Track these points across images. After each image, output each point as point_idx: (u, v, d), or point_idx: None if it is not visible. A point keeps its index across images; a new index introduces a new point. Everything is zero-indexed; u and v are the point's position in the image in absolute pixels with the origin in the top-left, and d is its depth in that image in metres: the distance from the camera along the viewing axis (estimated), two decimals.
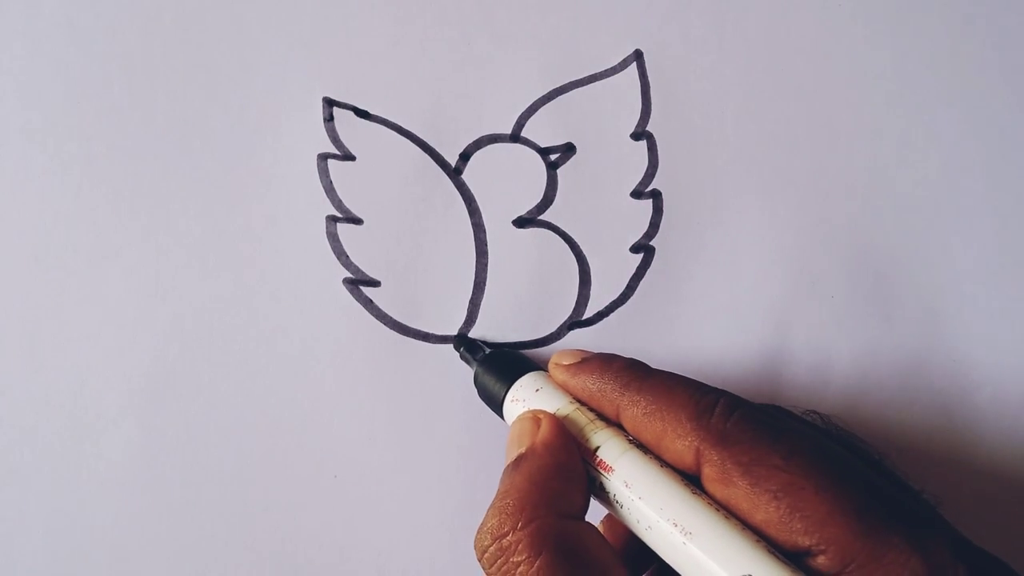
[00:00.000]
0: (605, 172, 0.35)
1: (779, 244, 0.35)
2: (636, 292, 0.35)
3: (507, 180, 0.35)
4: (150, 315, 0.34)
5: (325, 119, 0.35)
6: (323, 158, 0.35)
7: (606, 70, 0.36)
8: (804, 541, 0.22)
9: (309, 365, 0.34)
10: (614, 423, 0.27)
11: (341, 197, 0.35)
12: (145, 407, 0.33)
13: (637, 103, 0.36)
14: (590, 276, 0.35)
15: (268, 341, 0.34)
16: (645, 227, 0.35)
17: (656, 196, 0.35)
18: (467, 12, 0.35)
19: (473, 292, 0.35)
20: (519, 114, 0.35)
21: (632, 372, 0.27)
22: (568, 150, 0.35)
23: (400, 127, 0.35)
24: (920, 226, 0.35)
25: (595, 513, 0.27)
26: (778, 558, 0.22)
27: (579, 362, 0.29)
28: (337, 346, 0.34)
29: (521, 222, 0.35)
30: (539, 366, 0.31)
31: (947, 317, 0.35)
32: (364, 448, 0.34)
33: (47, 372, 0.33)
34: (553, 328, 0.35)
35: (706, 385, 0.26)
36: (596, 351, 0.30)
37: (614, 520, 0.26)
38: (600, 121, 0.35)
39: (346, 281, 0.34)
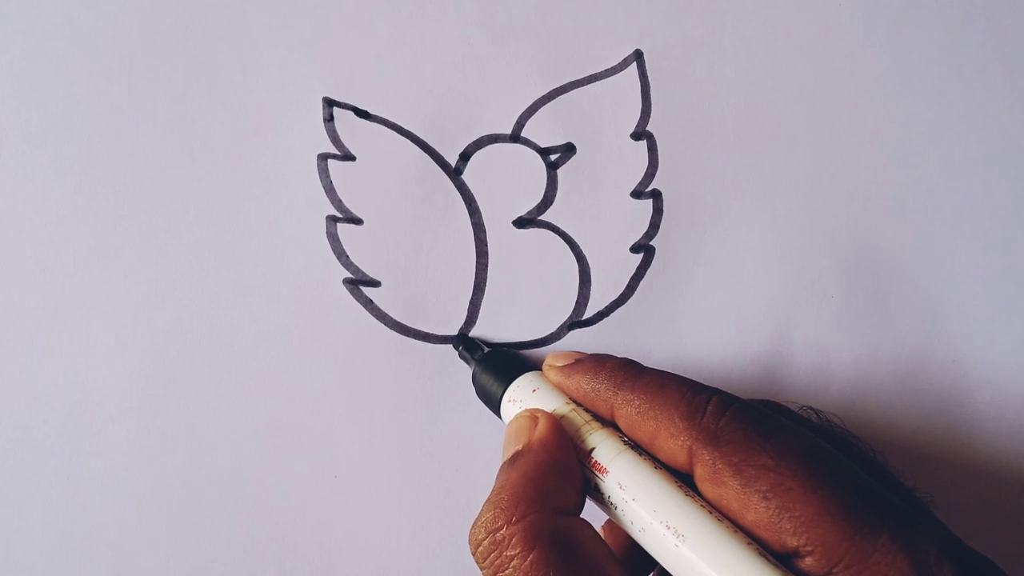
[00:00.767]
0: (605, 172, 0.35)
1: (779, 244, 0.35)
2: (636, 292, 0.35)
3: (507, 180, 0.35)
4: (150, 315, 0.34)
5: (325, 119, 0.35)
6: (323, 158, 0.35)
7: (606, 70, 0.36)
8: (792, 541, 0.22)
9: (309, 365, 0.34)
10: (609, 424, 0.27)
11: (341, 197, 0.35)
12: (145, 407, 0.33)
13: (637, 103, 0.36)
14: (590, 276, 0.35)
15: (268, 341, 0.34)
16: (645, 227, 0.35)
17: (656, 196, 0.35)
18: (467, 12, 0.35)
19: (473, 292, 0.35)
20: (519, 114, 0.35)
21: (625, 371, 0.27)
22: (568, 150, 0.35)
23: (400, 127, 0.35)
24: (920, 226, 0.35)
25: (598, 516, 0.27)
26: (769, 560, 0.22)
27: (573, 363, 0.29)
28: (337, 346, 0.34)
29: (521, 222, 0.35)
30: (537, 366, 0.31)
31: (947, 317, 0.35)
32: (364, 448, 0.34)
33: (47, 372, 0.33)
34: (553, 328, 0.35)
35: (699, 384, 0.26)
36: (590, 352, 0.30)
37: (615, 523, 0.26)
38: (600, 121, 0.35)
39: (346, 281, 0.34)
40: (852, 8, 0.36)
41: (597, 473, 0.26)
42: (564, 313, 0.35)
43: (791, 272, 0.35)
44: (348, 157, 0.35)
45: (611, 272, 0.35)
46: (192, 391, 0.34)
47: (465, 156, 0.35)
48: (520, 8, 0.36)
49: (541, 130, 0.35)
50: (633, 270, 0.35)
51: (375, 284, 0.34)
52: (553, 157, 0.35)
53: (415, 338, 0.34)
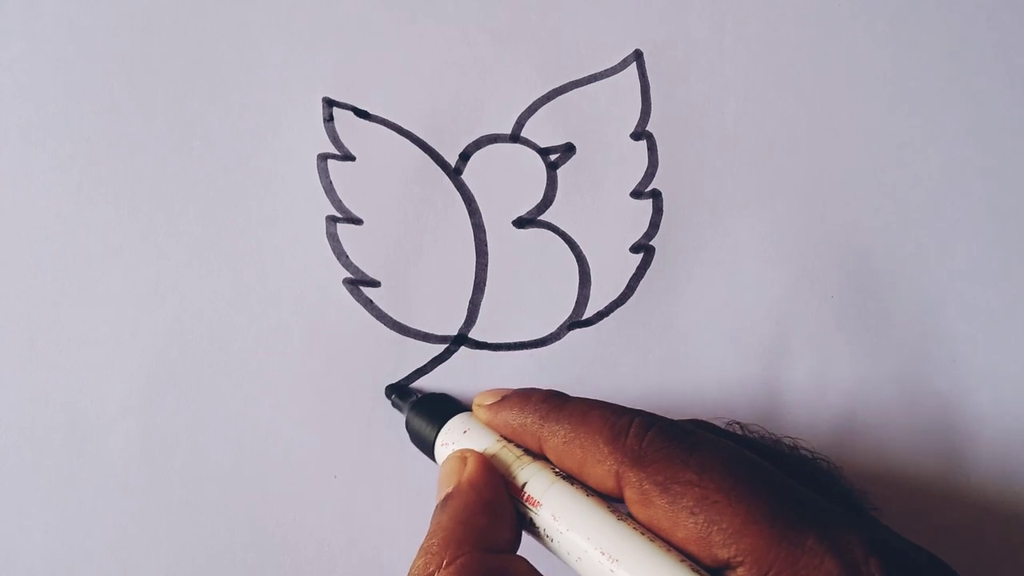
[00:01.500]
0: (605, 172, 0.35)
1: (779, 244, 0.35)
2: (636, 292, 0.35)
3: (507, 180, 0.35)
4: (150, 315, 0.34)
5: (325, 119, 0.35)
6: (323, 158, 0.35)
7: (606, 70, 0.36)
8: (723, 554, 0.22)
9: (309, 365, 0.34)
10: (541, 457, 0.27)
11: (341, 197, 0.35)
12: (145, 407, 0.33)
13: (637, 103, 0.36)
14: (590, 276, 0.35)
15: (268, 341, 0.34)
16: (645, 227, 0.35)
17: (656, 196, 0.35)
18: (467, 12, 0.35)
19: (473, 292, 0.35)
20: (519, 114, 0.35)
21: (549, 403, 0.27)
22: (568, 150, 0.35)
23: (400, 127, 0.35)
24: (920, 226, 0.35)
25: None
26: (703, 574, 0.22)
27: (500, 400, 0.29)
28: (337, 346, 0.34)
29: (521, 222, 0.35)
30: (468, 408, 0.31)
31: (947, 317, 0.35)
32: (364, 448, 0.34)
33: (47, 372, 0.33)
34: (553, 328, 0.35)
35: (621, 407, 0.26)
36: (515, 388, 0.30)
37: None
38: (600, 121, 0.35)
39: (346, 281, 0.34)
40: (852, 8, 0.36)
41: (531, 507, 0.26)
42: (564, 313, 0.35)
43: (791, 272, 0.35)
44: (348, 157, 0.35)
45: (611, 272, 0.35)
46: (192, 391, 0.34)
47: (465, 156, 0.35)
48: (520, 8, 0.36)
49: (541, 130, 0.35)
50: (633, 270, 0.35)
51: (375, 284, 0.34)
52: (553, 157, 0.35)
53: (415, 338, 0.34)
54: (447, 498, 0.26)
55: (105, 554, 0.33)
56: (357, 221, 0.35)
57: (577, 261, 0.35)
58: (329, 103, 0.35)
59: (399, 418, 0.34)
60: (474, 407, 0.30)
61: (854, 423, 0.34)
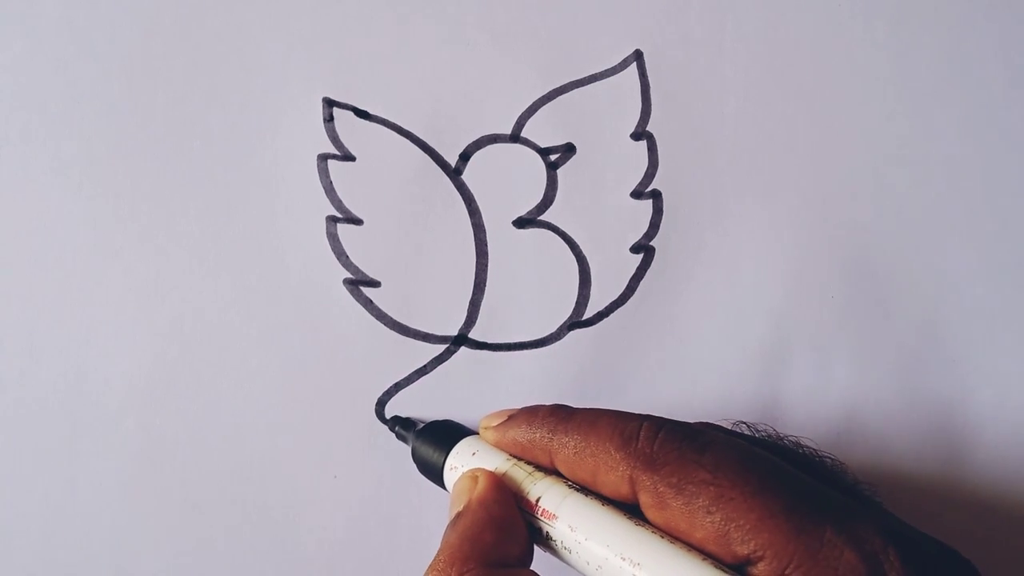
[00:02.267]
0: (605, 172, 0.35)
1: (779, 244, 0.35)
2: (636, 292, 0.35)
3: (507, 180, 0.35)
4: (150, 315, 0.34)
5: (325, 119, 0.35)
6: (323, 158, 0.35)
7: (606, 70, 0.36)
8: (742, 550, 0.22)
9: (309, 365, 0.34)
10: (552, 472, 0.27)
11: (341, 197, 0.35)
12: (145, 407, 0.33)
13: (637, 103, 0.36)
14: (590, 276, 0.35)
15: (268, 341, 0.34)
16: (645, 227, 0.35)
17: (656, 196, 0.35)
18: (467, 12, 0.35)
19: (473, 292, 0.35)
20: (519, 114, 0.35)
21: (557, 415, 0.28)
22: (568, 150, 0.35)
23: (400, 127, 0.35)
24: (920, 226, 0.35)
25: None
26: (726, 571, 0.22)
27: (506, 419, 0.29)
28: (337, 346, 0.34)
29: (521, 222, 0.35)
30: (474, 431, 0.31)
31: (947, 318, 0.35)
32: (364, 448, 0.34)
33: (47, 372, 0.33)
34: (553, 328, 0.35)
35: (630, 413, 0.26)
36: (520, 407, 0.30)
37: None
38: (600, 121, 0.35)
39: (346, 281, 0.34)
40: (852, 8, 0.36)
41: (546, 521, 0.26)
42: (564, 313, 0.35)
43: (791, 272, 0.35)
44: (348, 157, 0.35)
45: (611, 272, 0.35)
46: (192, 391, 0.34)
47: (465, 156, 0.35)
48: (520, 8, 0.36)
49: (541, 130, 0.35)
50: (633, 270, 0.35)
51: (375, 284, 0.34)
52: (553, 157, 0.35)
53: (415, 338, 0.34)
54: (457, 516, 0.26)
55: (105, 554, 0.33)
56: (357, 221, 0.35)
57: (577, 261, 0.35)
58: (329, 103, 0.35)
59: (395, 419, 0.34)
60: (481, 429, 0.30)
61: (854, 423, 0.34)
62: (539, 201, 0.35)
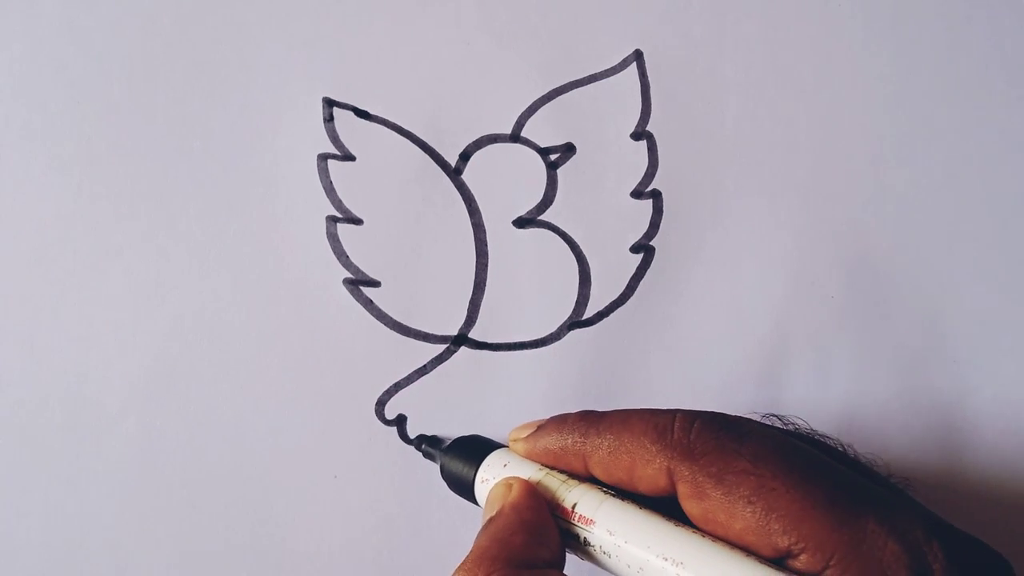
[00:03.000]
0: (605, 172, 0.35)
1: (779, 244, 0.35)
2: (636, 292, 0.35)
3: (507, 180, 0.35)
4: (150, 315, 0.34)
5: (325, 119, 0.35)
6: (323, 158, 0.35)
7: (606, 70, 0.36)
8: (783, 542, 0.22)
9: (309, 365, 0.34)
10: (586, 479, 0.27)
11: (341, 197, 0.35)
12: (145, 406, 0.33)
13: (637, 103, 0.36)
14: (590, 276, 0.35)
15: (268, 341, 0.34)
16: (645, 227, 0.35)
17: (656, 196, 0.35)
18: (467, 12, 0.35)
19: (473, 292, 0.35)
20: (519, 114, 0.35)
21: (587, 419, 0.27)
22: (568, 150, 0.35)
23: (400, 127, 0.35)
24: (920, 226, 0.35)
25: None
26: (769, 565, 0.22)
27: (536, 430, 0.29)
28: (337, 346, 0.34)
29: (521, 222, 0.35)
30: (502, 445, 0.31)
31: (947, 317, 0.35)
32: (364, 448, 0.34)
33: (47, 372, 0.33)
34: (553, 328, 0.35)
35: (660, 408, 0.26)
36: (547, 418, 0.30)
37: None
38: (600, 121, 0.35)
39: (346, 281, 0.34)
40: (852, 8, 0.36)
41: (584, 526, 0.26)
42: (564, 313, 0.35)
43: (791, 272, 0.35)
44: (348, 157, 0.35)
45: (611, 272, 0.35)
46: (192, 391, 0.34)
47: (465, 156, 0.35)
48: (520, 8, 0.36)
49: (541, 130, 0.35)
50: (633, 270, 0.35)
51: (375, 284, 0.34)
52: (553, 157, 0.35)
53: (415, 338, 0.34)
54: (489, 520, 0.26)
55: (105, 554, 0.33)
56: (357, 221, 0.35)
57: (577, 261, 0.35)
58: (329, 103, 0.35)
59: (399, 418, 0.34)
60: (510, 442, 0.30)
61: (854, 423, 0.34)
62: (539, 201, 0.35)
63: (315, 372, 0.34)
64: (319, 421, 0.34)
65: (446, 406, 0.34)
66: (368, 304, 0.34)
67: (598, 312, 0.35)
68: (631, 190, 0.35)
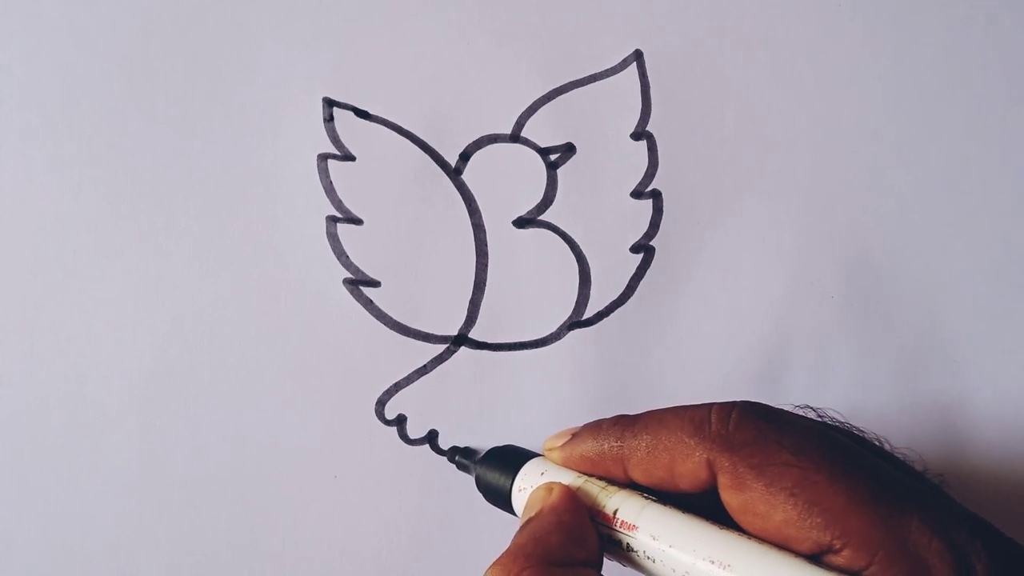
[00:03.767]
0: (605, 172, 0.35)
1: (779, 244, 0.35)
2: (636, 292, 0.35)
3: (507, 180, 0.35)
4: (150, 315, 0.34)
5: (325, 119, 0.35)
6: (323, 158, 0.35)
7: (606, 70, 0.36)
8: (825, 536, 0.22)
9: (309, 365, 0.34)
10: (626, 485, 0.27)
11: (341, 197, 0.35)
12: (145, 407, 0.33)
13: (637, 103, 0.36)
14: (590, 276, 0.35)
15: (268, 341, 0.34)
16: (645, 227, 0.35)
17: (656, 196, 0.35)
18: (467, 12, 0.35)
19: (473, 292, 0.35)
20: (519, 114, 0.35)
21: (622, 423, 0.27)
22: (568, 150, 0.35)
23: (400, 127, 0.35)
24: (920, 226, 0.35)
25: None
26: (817, 565, 0.22)
27: (571, 437, 0.29)
28: (337, 346, 0.34)
29: (521, 222, 0.35)
30: (537, 454, 0.31)
31: (947, 317, 0.35)
32: (364, 448, 0.34)
33: (47, 372, 0.33)
34: (553, 328, 0.35)
35: (693, 404, 0.26)
36: (581, 425, 0.30)
37: None
38: (600, 121, 0.35)
39: (346, 281, 0.34)
40: (852, 8, 0.36)
41: (626, 532, 0.25)
42: (564, 313, 0.35)
43: (791, 272, 0.35)
44: (348, 157, 0.35)
45: (611, 272, 0.35)
46: (192, 391, 0.34)
47: (465, 156, 0.35)
48: (520, 8, 0.36)
49: (541, 130, 0.35)
50: (633, 270, 0.35)
51: (375, 284, 0.34)
52: (553, 157, 0.35)
53: (415, 338, 0.34)
54: (528, 521, 0.26)
55: (105, 554, 0.33)
56: (357, 221, 0.35)
57: (577, 261, 0.35)
58: (329, 103, 0.35)
59: (399, 418, 0.34)
60: (546, 451, 0.30)
61: (854, 423, 0.34)
62: (539, 201, 0.35)
63: (315, 372, 0.34)
64: (319, 421, 0.34)
65: (446, 406, 0.34)
66: (368, 304, 0.34)
67: (598, 312, 0.35)
68: (631, 190, 0.35)
